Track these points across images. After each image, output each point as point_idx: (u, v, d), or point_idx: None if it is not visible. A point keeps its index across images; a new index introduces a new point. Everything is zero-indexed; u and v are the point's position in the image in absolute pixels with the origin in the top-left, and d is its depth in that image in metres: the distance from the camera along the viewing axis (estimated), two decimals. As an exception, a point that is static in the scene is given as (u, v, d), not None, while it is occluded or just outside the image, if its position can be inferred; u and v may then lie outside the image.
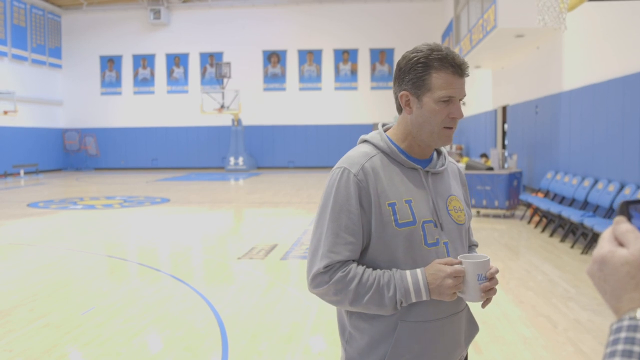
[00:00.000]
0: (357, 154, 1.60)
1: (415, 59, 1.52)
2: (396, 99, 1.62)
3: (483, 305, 1.58)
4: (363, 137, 1.68)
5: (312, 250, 1.57)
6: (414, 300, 1.49)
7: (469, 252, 1.72)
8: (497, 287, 1.55)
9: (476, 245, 1.83)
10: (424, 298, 1.49)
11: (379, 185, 1.53)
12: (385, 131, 1.68)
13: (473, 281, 1.47)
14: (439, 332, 1.56)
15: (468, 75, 1.57)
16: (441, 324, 1.56)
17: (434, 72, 1.51)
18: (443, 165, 1.67)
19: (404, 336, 1.52)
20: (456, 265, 1.48)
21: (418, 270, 1.50)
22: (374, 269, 1.54)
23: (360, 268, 1.52)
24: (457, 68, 1.51)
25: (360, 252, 1.56)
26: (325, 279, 1.51)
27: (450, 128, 1.56)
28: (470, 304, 1.62)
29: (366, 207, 1.52)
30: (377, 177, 1.54)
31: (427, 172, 1.62)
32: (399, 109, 1.63)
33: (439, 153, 1.70)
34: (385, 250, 1.53)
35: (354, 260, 1.54)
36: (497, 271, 1.53)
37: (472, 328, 1.71)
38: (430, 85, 1.51)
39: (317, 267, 1.52)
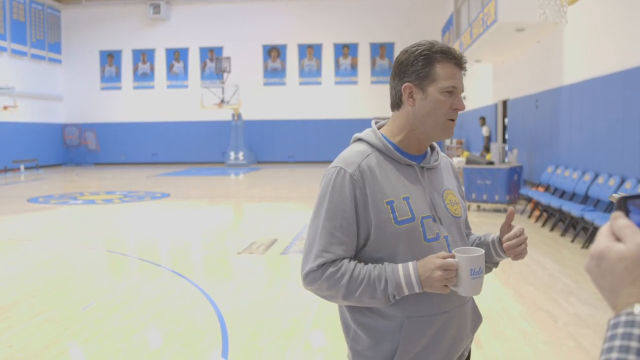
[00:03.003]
0: (353, 153, 1.60)
1: (419, 51, 1.55)
2: (394, 94, 1.62)
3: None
4: (357, 135, 1.69)
5: (306, 248, 1.60)
6: (406, 292, 1.49)
7: (468, 240, 1.75)
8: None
9: (472, 233, 1.85)
10: (417, 290, 1.49)
11: (375, 184, 1.54)
12: (378, 128, 1.68)
13: (466, 275, 1.48)
14: (447, 325, 1.57)
15: (466, 70, 1.62)
16: (449, 317, 1.57)
17: (437, 63, 1.54)
18: (437, 160, 1.69)
19: (412, 332, 1.53)
20: (447, 259, 1.48)
21: (410, 263, 1.50)
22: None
23: (352, 263, 1.53)
24: (459, 60, 1.57)
25: (359, 250, 1.58)
26: (318, 275, 1.53)
27: (453, 120, 1.59)
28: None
29: (363, 207, 1.53)
30: (373, 175, 1.55)
31: (422, 167, 1.64)
32: (397, 105, 1.63)
33: (432, 148, 1.72)
34: (385, 247, 1.54)
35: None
36: (521, 230, 1.63)
37: (477, 318, 1.74)
38: (434, 76, 1.54)
39: (310, 265, 1.55)
